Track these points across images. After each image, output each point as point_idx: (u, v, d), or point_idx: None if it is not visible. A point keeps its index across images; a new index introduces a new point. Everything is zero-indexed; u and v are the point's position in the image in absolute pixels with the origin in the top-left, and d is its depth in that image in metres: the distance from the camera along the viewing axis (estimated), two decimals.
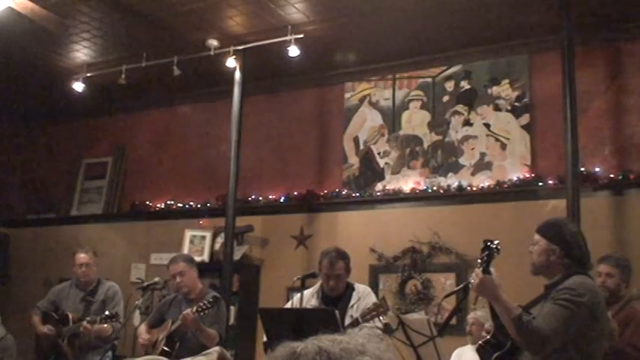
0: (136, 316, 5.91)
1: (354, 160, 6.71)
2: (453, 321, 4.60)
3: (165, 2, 5.71)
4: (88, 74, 6.88)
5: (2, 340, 5.62)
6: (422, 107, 6.51)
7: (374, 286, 5.88)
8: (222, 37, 6.24)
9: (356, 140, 6.74)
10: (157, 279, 5.06)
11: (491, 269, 3.02)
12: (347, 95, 6.87)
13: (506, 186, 5.88)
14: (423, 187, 6.26)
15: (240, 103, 6.39)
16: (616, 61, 5.78)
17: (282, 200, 6.85)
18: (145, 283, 5.11)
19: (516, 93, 6.08)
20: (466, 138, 6.23)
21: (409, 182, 6.36)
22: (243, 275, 6.60)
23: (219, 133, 7.11)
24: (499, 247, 3.04)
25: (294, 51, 5.96)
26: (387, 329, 3.90)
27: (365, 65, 6.70)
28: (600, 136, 5.70)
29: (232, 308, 6.33)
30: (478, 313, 4.74)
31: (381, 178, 6.52)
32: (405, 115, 6.56)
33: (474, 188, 6.02)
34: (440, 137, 6.35)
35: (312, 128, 7.02)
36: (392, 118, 6.61)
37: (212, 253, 6.79)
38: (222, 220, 6.41)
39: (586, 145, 5.47)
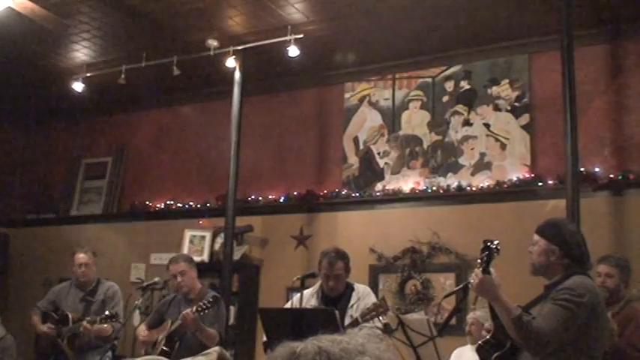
0: (136, 316, 5.92)
1: (353, 160, 6.71)
2: (453, 321, 4.59)
3: (164, 2, 5.71)
4: (88, 74, 6.87)
5: (2, 340, 5.62)
6: (422, 107, 6.51)
7: (374, 286, 5.89)
8: (222, 37, 6.24)
9: (356, 140, 6.74)
10: (156, 279, 5.08)
11: (491, 269, 3.03)
12: (347, 95, 6.87)
13: (505, 186, 5.88)
14: (422, 187, 6.26)
15: (239, 103, 6.39)
16: (616, 61, 5.78)
17: (281, 200, 6.85)
18: (145, 283, 5.12)
19: (516, 93, 6.08)
20: (466, 138, 6.23)
21: (409, 182, 6.36)
22: (242, 275, 6.60)
23: (219, 133, 7.11)
24: (499, 247, 3.04)
25: (293, 51, 5.96)
26: (386, 329, 3.90)
27: (365, 65, 6.70)
28: (600, 136, 5.70)
29: (232, 308, 6.33)
30: (478, 313, 4.74)
31: (381, 178, 6.52)
32: (404, 115, 6.56)
33: (474, 188, 6.02)
34: (440, 137, 6.35)
35: (311, 128, 7.01)
36: (392, 118, 6.61)
37: (212, 253, 6.79)
38: (222, 220, 6.40)
39: (586, 145, 5.46)
